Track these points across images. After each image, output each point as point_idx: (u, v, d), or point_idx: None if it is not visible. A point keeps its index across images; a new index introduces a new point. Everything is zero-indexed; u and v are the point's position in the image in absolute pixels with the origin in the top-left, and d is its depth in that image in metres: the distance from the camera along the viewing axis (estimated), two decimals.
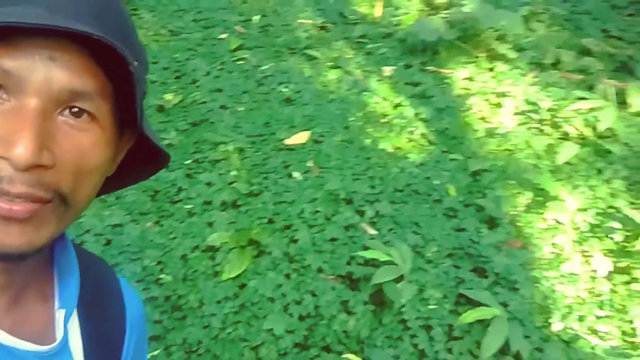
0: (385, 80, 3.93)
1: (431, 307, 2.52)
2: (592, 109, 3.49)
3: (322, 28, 4.59)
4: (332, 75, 3.85)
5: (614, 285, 2.73)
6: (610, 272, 2.78)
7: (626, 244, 2.87)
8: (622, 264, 2.82)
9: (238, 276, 2.60)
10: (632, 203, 3.08)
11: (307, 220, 2.85)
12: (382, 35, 4.46)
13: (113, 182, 0.67)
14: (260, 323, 2.44)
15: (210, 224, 2.82)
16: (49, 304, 0.67)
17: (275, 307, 2.49)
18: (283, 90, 3.69)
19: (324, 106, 3.56)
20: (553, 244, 2.89)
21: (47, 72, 0.52)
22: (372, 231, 2.85)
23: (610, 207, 3.06)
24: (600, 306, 2.63)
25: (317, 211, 2.90)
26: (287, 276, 2.61)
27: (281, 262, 2.66)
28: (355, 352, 2.39)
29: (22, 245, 0.53)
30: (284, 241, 2.76)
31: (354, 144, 3.30)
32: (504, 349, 2.35)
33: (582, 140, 3.48)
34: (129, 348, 0.76)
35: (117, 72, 0.55)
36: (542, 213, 3.05)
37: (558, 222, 2.99)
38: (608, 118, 3.39)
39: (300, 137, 3.27)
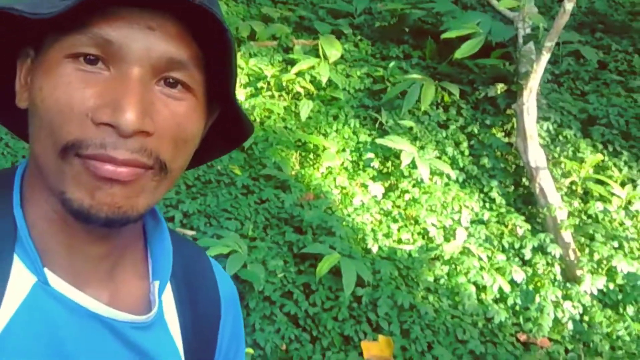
0: None
1: (280, 275, 2.69)
2: (309, 68, 3.96)
3: None
4: None
5: (393, 201, 3.30)
6: (384, 193, 3.34)
7: (383, 167, 3.46)
8: (387, 183, 3.42)
9: None
10: (369, 134, 3.69)
11: None
12: None
13: (196, 157, 0.66)
14: None
15: None
16: (142, 277, 0.67)
17: None
18: None
19: None
20: (336, 186, 3.31)
21: (146, 41, 0.53)
22: (190, 232, 2.82)
23: (359, 142, 3.62)
24: (394, 220, 3.17)
25: None
26: None
27: None
28: None
29: (125, 207, 0.54)
30: None
31: None
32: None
33: (311, 96, 3.96)
34: (224, 329, 0.75)
35: (209, 42, 0.56)
36: (314, 164, 3.44)
37: (330, 168, 3.42)
38: (325, 72, 3.91)
39: None
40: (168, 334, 0.66)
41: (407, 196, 3.30)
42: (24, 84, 0.59)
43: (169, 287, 0.68)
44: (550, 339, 2.70)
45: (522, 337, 2.71)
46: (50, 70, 0.54)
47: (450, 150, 3.58)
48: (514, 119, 3.65)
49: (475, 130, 3.69)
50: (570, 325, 2.74)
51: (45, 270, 0.57)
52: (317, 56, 4.23)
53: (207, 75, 0.58)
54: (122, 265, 0.64)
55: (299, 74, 3.96)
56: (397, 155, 3.49)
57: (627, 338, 2.65)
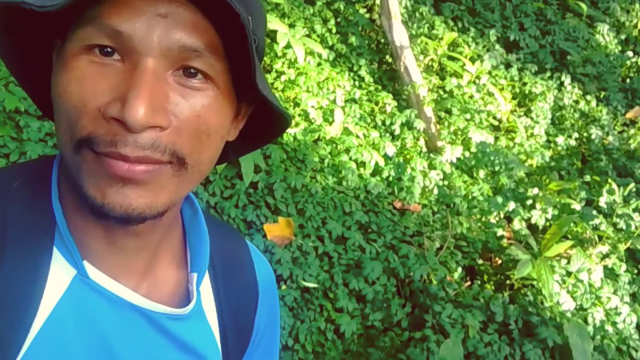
0: None
1: None
2: None
3: None
4: None
5: (271, 83, 3.35)
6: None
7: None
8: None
9: None
10: None
11: None
12: None
13: (236, 147, 0.67)
14: None
15: None
16: (181, 267, 0.67)
17: None
18: None
19: None
20: None
21: (156, 30, 0.50)
22: None
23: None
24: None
25: None
26: None
27: None
28: None
29: (140, 207, 0.52)
30: None
31: None
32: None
33: None
34: (261, 317, 0.76)
35: (230, 28, 0.52)
36: None
37: None
38: None
39: None
40: (206, 324, 0.67)
41: (283, 77, 3.37)
42: None
43: (206, 277, 0.69)
44: (420, 204, 3.12)
45: (398, 205, 3.10)
46: (67, 63, 0.52)
47: (318, 28, 3.65)
48: None
49: (341, 7, 3.77)
50: (435, 191, 3.17)
51: (85, 263, 0.57)
52: None
53: (229, 64, 0.55)
54: (160, 257, 0.64)
55: None
56: (267, 34, 3.48)
57: (481, 198, 3.16)
